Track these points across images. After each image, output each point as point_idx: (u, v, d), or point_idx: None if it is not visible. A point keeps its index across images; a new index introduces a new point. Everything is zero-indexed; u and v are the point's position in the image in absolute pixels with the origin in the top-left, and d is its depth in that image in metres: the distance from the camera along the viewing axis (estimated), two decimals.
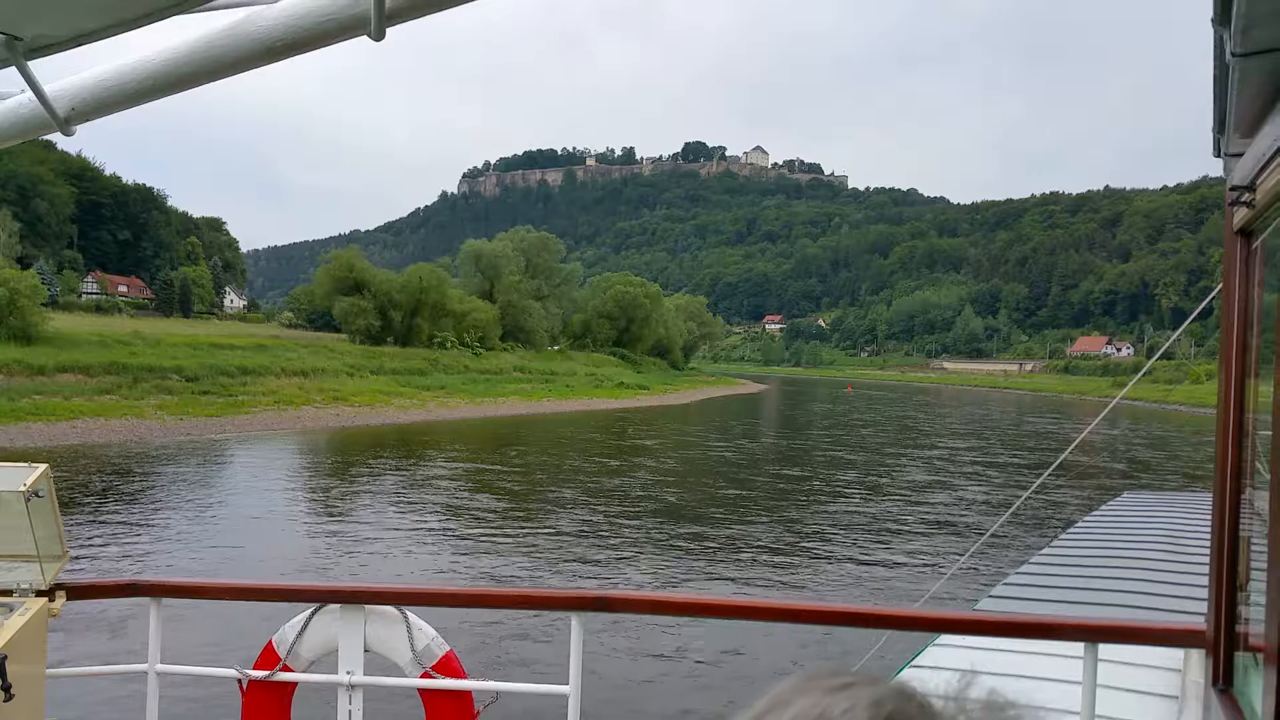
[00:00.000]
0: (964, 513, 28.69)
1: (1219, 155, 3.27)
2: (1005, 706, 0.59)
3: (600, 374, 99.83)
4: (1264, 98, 2.57)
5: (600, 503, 28.15)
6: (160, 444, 38.02)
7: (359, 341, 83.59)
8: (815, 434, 59.10)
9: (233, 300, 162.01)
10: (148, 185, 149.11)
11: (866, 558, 21.81)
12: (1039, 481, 12.30)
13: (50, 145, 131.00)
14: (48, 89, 2.41)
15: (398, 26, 2.26)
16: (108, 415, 41.71)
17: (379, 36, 2.18)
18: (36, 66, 2.29)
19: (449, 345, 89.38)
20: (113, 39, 2.27)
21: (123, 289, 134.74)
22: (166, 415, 43.64)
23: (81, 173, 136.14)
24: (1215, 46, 2.56)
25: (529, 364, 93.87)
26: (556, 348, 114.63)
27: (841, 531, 24.77)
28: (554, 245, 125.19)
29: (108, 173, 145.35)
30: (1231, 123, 2.84)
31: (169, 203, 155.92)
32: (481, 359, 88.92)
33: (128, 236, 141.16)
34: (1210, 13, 2.35)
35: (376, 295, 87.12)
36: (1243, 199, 3.00)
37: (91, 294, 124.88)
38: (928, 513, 28.40)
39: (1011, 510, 13.80)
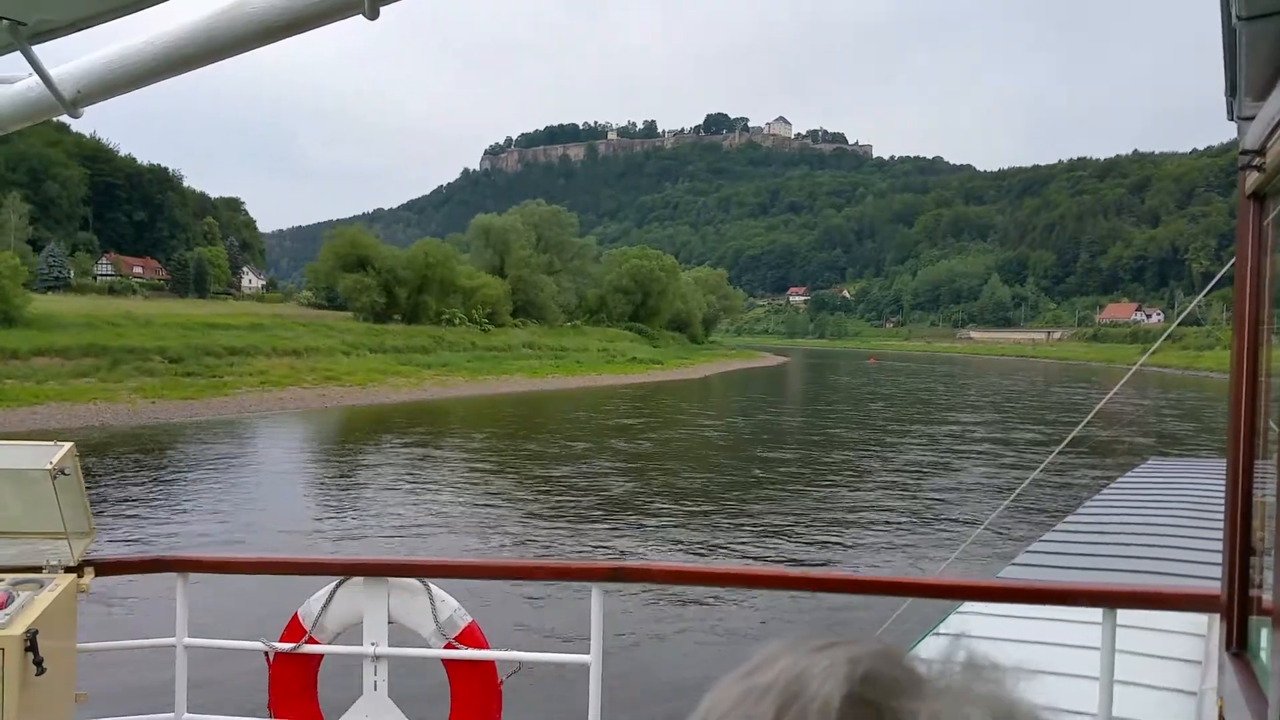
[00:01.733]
0: (959, 502, 25.64)
1: (1232, 119, 3.25)
2: (987, 667, 0.59)
3: (613, 349, 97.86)
4: (1273, 61, 2.58)
5: (531, 494, 25.60)
6: (121, 430, 36.12)
7: (364, 319, 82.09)
8: (820, 409, 56.70)
9: (251, 280, 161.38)
10: (163, 166, 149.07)
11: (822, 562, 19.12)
12: (1046, 461, 11.57)
13: (64, 127, 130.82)
14: (53, 73, 2.46)
15: (395, 6, 2.34)
16: (75, 399, 39.96)
17: (373, 15, 2.25)
18: (41, 50, 2.36)
19: (457, 322, 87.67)
20: (116, 22, 2.35)
21: (138, 270, 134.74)
22: (140, 398, 41.94)
23: (95, 154, 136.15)
24: (1222, 11, 2.59)
25: (539, 340, 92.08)
26: (574, 323, 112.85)
27: (805, 529, 21.90)
28: (566, 219, 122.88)
29: (123, 154, 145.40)
30: (1243, 86, 2.85)
31: (185, 183, 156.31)
32: (490, 335, 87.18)
33: (143, 218, 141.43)
34: None
35: (381, 272, 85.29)
36: (1254, 163, 3.00)
37: (106, 275, 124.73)
38: (914, 502, 25.32)
39: (1013, 496, 12.51)
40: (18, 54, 2.30)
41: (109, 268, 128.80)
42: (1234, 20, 2.34)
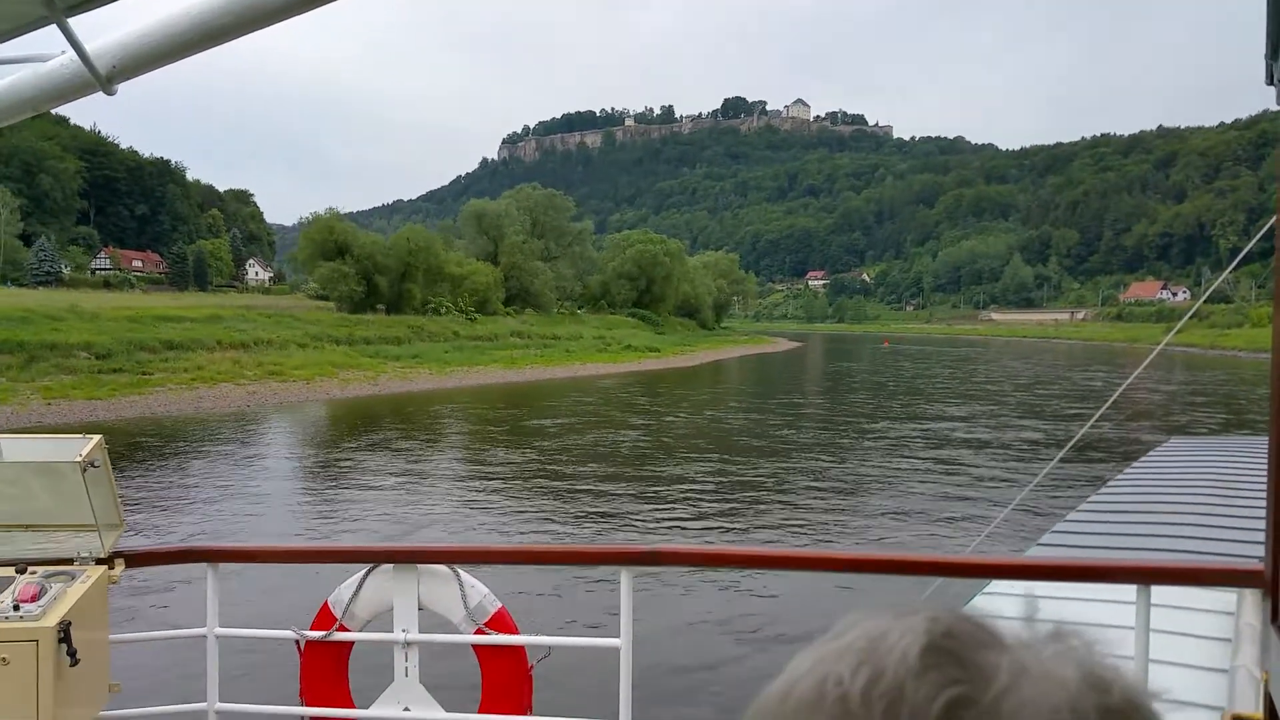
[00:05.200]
0: (902, 532, 19.40)
1: (1271, 83, 3.16)
2: (1072, 634, 0.60)
3: (610, 336, 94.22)
4: None
5: (307, 521, 20.93)
6: None
7: (344, 310, 78.63)
8: (793, 401, 51.59)
9: (258, 273, 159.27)
10: (165, 159, 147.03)
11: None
12: (1034, 483, 10.55)
13: (62, 120, 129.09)
14: (88, 48, 2.41)
15: None
16: None
17: None
18: (76, 25, 2.31)
19: (443, 311, 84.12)
20: None
21: (137, 264, 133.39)
22: (39, 399, 38.29)
23: (95, 148, 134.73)
24: None
25: (530, 328, 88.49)
26: (574, 310, 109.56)
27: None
28: (561, 203, 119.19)
29: (125, 147, 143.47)
30: None
31: (192, 176, 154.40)
32: (475, 325, 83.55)
33: (145, 211, 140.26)
34: None
35: (360, 260, 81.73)
36: None
37: (104, 269, 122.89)
38: (834, 537, 19.27)
39: (985, 534, 11.29)
40: (44, 34, 2.18)
41: (108, 261, 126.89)
42: None
